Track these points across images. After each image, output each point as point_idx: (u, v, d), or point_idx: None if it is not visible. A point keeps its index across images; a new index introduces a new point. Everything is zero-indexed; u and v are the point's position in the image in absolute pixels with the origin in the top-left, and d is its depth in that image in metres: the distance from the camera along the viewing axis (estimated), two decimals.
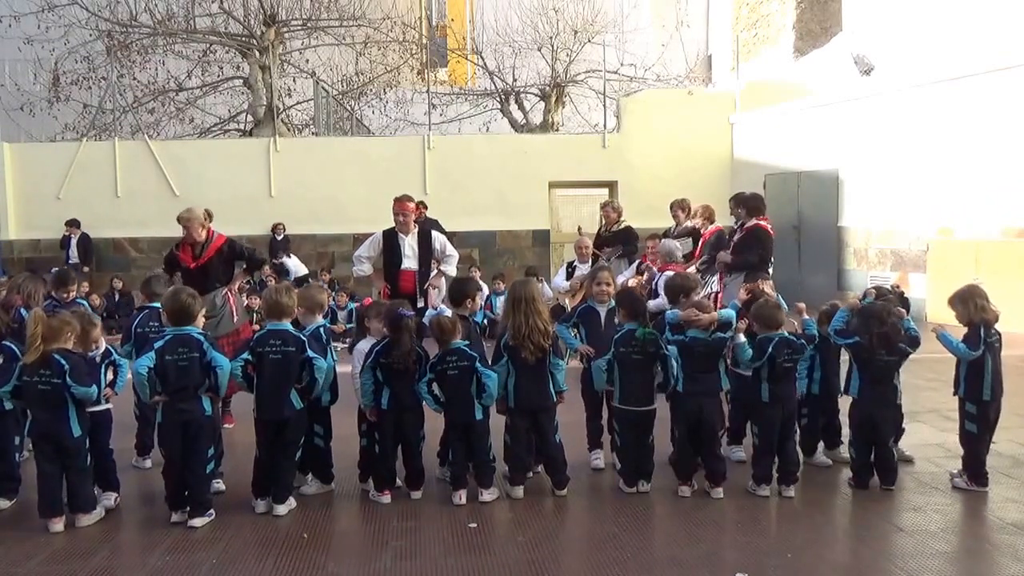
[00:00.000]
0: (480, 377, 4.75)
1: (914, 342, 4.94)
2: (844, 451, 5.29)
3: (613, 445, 5.12)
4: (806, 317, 5.16)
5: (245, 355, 4.66)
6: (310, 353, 4.66)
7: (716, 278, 7.87)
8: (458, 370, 4.76)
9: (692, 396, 4.80)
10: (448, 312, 5.08)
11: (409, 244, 7.24)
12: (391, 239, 7.30)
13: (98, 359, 4.72)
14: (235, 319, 6.46)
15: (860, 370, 4.91)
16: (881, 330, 4.78)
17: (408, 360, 4.71)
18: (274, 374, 4.63)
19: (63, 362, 4.39)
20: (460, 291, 5.43)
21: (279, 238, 14.87)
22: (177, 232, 6.77)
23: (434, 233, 7.45)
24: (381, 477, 4.83)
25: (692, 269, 7.88)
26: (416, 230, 7.32)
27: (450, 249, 7.48)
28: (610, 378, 4.90)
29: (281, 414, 4.64)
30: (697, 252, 8.47)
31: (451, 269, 7.41)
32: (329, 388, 4.91)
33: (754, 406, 5.00)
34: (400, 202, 7.31)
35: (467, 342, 4.87)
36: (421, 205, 13.64)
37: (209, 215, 6.87)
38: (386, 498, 4.77)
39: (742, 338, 4.88)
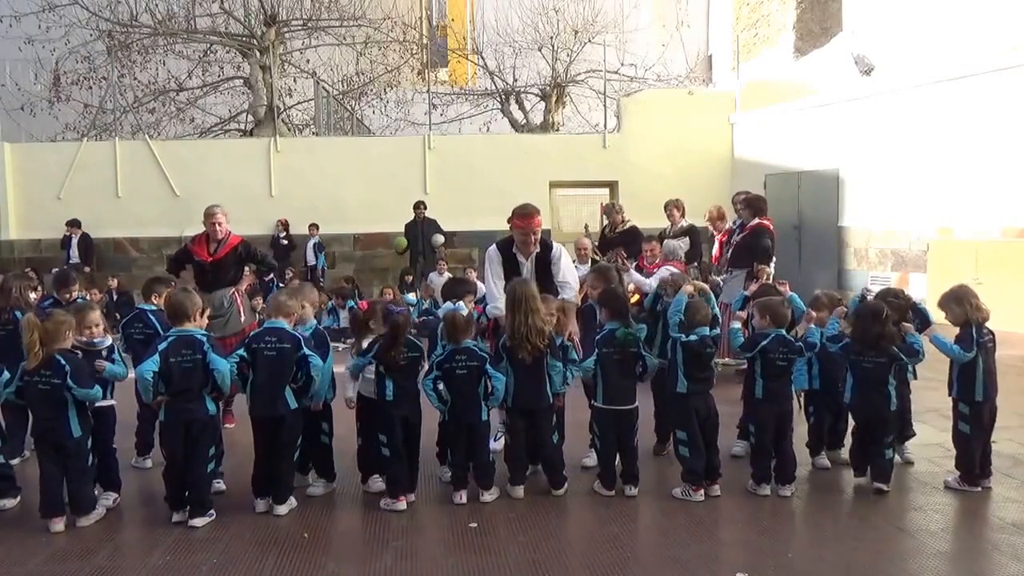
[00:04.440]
0: (490, 379, 4.74)
1: (911, 352, 4.84)
2: (845, 453, 5.30)
3: (592, 444, 5.14)
4: (812, 326, 5.12)
5: (240, 352, 4.67)
6: (306, 351, 4.66)
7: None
8: (467, 370, 4.74)
9: (697, 394, 4.85)
10: (465, 310, 5.01)
11: (528, 268, 5.55)
12: (512, 262, 5.56)
13: (104, 353, 4.72)
14: (242, 319, 6.49)
15: (851, 373, 4.89)
16: (873, 330, 4.76)
17: (396, 357, 4.66)
18: (269, 370, 4.63)
19: (65, 364, 4.39)
20: (453, 292, 5.44)
21: (281, 235, 14.87)
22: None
23: (554, 254, 5.58)
24: (397, 483, 4.71)
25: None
26: (535, 251, 5.56)
27: (571, 275, 5.66)
28: (593, 378, 4.91)
29: (275, 411, 4.63)
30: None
31: (572, 296, 5.54)
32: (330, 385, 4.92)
33: (749, 403, 5.02)
34: (528, 218, 5.44)
35: (477, 342, 4.87)
36: (421, 205, 13.81)
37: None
38: (402, 505, 4.66)
39: (737, 325, 5.03)
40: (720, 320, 5.17)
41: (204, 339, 4.57)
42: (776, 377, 4.86)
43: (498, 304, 5.35)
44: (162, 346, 4.47)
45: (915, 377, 5.39)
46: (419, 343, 4.87)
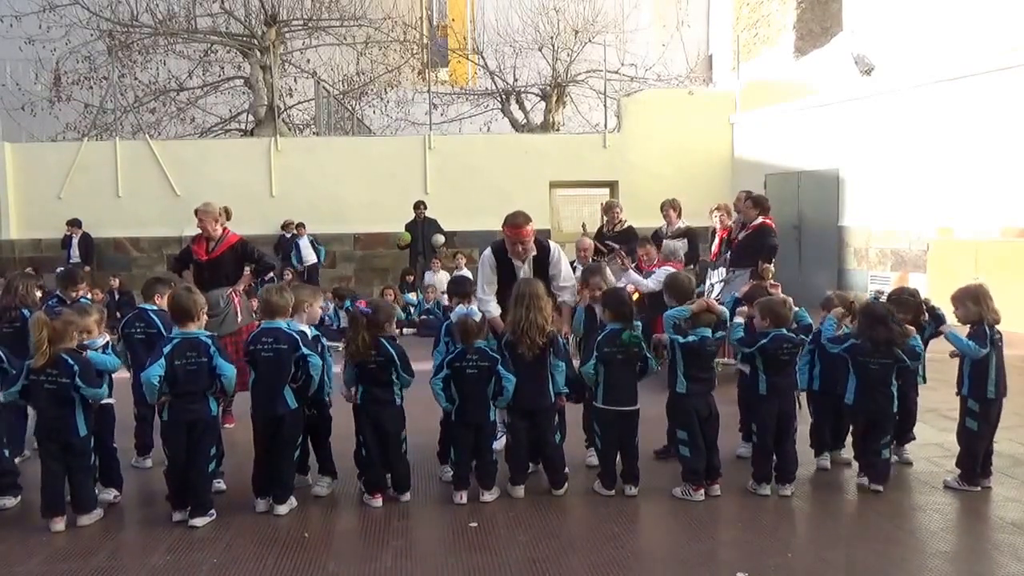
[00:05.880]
0: (500, 379, 4.74)
1: (913, 354, 4.86)
2: (845, 453, 5.31)
3: (591, 444, 5.13)
4: (795, 309, 5.12)
5: (245, 360, 4.68)
6: (304, 351, 4.65)
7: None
8: (477, 369, 4.74)
9: (699, 395, 4.85)
10: (478, 315, 5.00)
11: (524, 272, 5.59)
12: (507, 266, 5.59)
13: (100, 351, 4.72)
14: (239, 319, 6.48)
15: (855, 373, 4.89)
16: (883, 335, 4.75)
17: (363, 354, 4.68)
18: (267, 371, 4.64)
19: (73, 364, 4.40)
20: (457, 291, 5.43)
21: (288, 236, 14.80)
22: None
23: (552, 256, 5.69)
24: (369, 480, 4.81)
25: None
26: (531, 255, 5.62)
27: (570, 278, 5.78)
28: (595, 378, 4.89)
29: (275, 411, 4.63)
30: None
31: (570, 298, 5.70)
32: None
33: (751, 401, 5.01)
34: (517, 228, 5.48)
35: (488, 342, 4.89)
36: (421, 205, 13.81)
37: (228, 213, 6.88)
38: (377, 501, 4.74)
39: (739, 320, 5.02)
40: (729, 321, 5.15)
41: (209, 341, 4.57)
42: (779, 370, 4.86)
43: (487, 307, 5.39)
44: (167, 349, 4.46)
45: (924, 381, 5.38)
46: (393, 349, 4.75)
